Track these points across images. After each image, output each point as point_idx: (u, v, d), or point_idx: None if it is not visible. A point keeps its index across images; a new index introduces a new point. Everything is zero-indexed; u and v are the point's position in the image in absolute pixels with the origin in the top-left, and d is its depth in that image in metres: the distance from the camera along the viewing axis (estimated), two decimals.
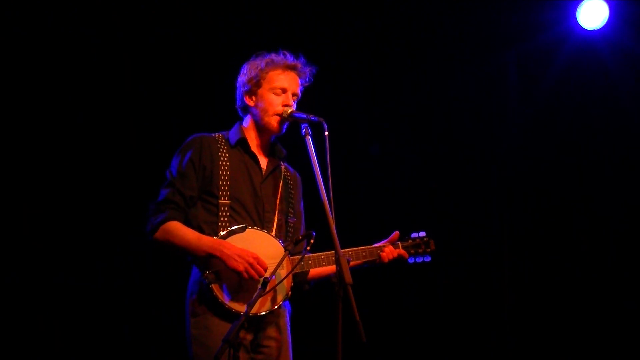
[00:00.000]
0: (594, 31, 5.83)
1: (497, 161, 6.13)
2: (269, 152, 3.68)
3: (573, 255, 5.99)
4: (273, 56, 3.63)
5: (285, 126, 3.60)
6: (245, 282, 3.34)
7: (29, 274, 5.06)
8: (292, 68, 3.63)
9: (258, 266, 3.31)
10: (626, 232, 5.91)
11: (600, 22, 5.78)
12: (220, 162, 3.52)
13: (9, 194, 5.04)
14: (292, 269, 3.40)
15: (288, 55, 3.65)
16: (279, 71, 3.60)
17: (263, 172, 3.61)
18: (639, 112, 5.92)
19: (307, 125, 3.42)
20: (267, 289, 3.19)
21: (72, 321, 5.14)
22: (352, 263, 3.59)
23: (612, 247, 5.93)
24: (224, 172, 3.50)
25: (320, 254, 3.49)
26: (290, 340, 3.54)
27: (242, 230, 3.41)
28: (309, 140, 3.38)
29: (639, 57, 5.83)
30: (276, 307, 3.41)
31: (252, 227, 3.44)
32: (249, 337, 3.41)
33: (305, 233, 3.23)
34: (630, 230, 5.90)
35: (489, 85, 6.11)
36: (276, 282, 3.35)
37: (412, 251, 3.78)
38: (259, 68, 3.59)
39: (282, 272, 3.39)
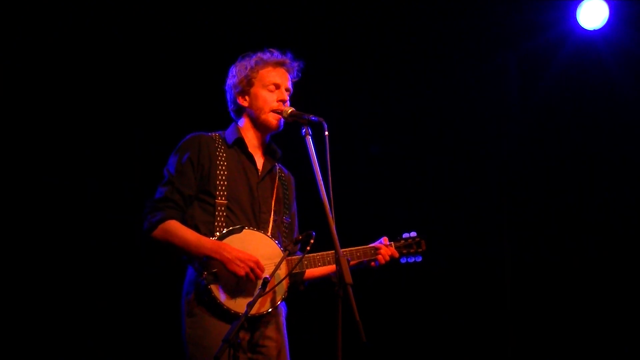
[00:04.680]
0: (594, 31, 5.83)
1: (498, 161, 6.13)
2: (265, 152, 3.68)
3: (574, 254, 5.98)
4: (261, 55, 3.64)
5: (282, 122, 3.60)
6: (244, 283, 3.34)
7: (29, 274, 5.06)
8: (281, 64, 3.64)
9: (258, 270, 3.32)
10: (627, 231, 5.91)
11: (600, 22, 5.79)
12: (217, 162, 3.51)
13: (8, 192, 5.04)
14: (292, 270, 3.41)
15: (275, 52, 3.65)
16: (270, 68, 3.62)
17: (259, 173, 3.61)
18: (639, 112, 5.92)
19: (307, 125, 3.41)
20: (267, 289, 3.18)
21: (71, 321, 5.13)
22: (350, 263, 3.59)
23: (613, 247, 5.93)
24: (222, 172, 3.50)
25: (316, 254, 3.49)
26: (287, 340, 3.53)
27: (240, 230, 3.41)
28: (309, 140, 3.36)
29: (639, 57, 5.83)
30: (274, 307, 3.40)
31: (249, 228, 3.44)
32: (247, 337, 3.41)
33: (305, 233, 3.22)
34: (630, 230, 5.90)
35: (489, 85, 6.11)
36: (275, 283, 3.35)
37: (405, 251, 3.77)
38: (248, 68, 3.60)
39: (280, 272, 3.39)
